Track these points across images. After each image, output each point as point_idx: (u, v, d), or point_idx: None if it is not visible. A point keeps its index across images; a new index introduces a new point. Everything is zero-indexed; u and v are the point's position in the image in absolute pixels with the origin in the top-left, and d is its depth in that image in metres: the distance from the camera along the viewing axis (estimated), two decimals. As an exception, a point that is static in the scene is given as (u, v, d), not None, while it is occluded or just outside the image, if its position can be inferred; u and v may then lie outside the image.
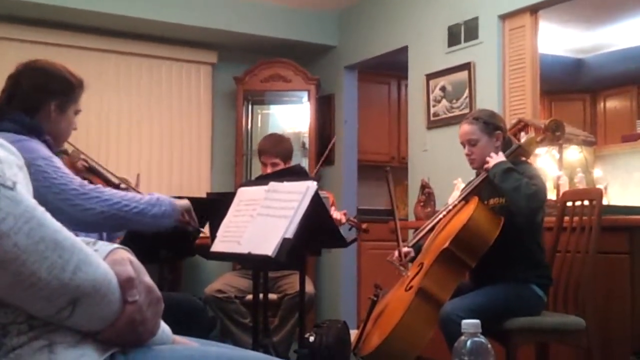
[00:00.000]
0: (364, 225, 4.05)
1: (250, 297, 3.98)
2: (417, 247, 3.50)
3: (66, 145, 2.79)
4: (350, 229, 4.22)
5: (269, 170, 4.38)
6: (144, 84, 6.22)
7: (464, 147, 3.38)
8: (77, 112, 2.53)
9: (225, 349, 1.38)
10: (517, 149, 3.32)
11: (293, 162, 4.82)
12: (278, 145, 4.43)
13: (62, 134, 2.51)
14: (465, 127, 3.37)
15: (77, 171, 2.77)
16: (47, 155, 2.26)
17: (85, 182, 2.33)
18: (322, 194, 3.13)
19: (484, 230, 3.11)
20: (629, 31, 7.02)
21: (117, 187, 2.87)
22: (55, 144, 2.45)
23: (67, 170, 2.29)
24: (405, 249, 3.44)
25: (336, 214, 4.06)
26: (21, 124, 2.33)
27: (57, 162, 2.29)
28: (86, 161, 2.83)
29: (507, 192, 3.11)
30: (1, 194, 0.98)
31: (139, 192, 2.87)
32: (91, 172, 2.82)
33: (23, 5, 5.45)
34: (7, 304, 1.05)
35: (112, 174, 2.91)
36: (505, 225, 3.11)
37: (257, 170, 5.98)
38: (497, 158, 3.22)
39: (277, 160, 4.36)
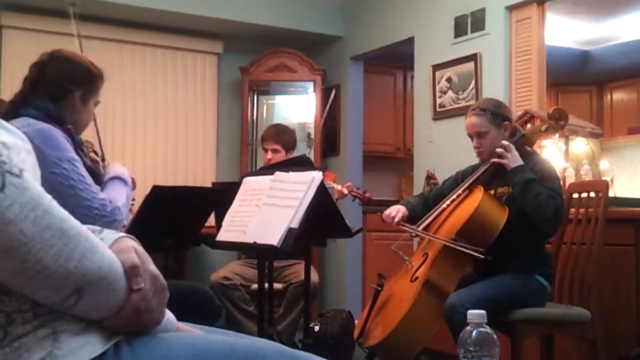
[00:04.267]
0: (367, 194, 4.06)
1: (255, 286, 3.99)
2: (409, 205, 3.52)
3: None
4: (353, 200, 4.24)
5: (269, 156, 4.40)
6: (149, 73, 6.21)
7: (472, 139, 3.35)
8: (96, 103, 2.57)
9: (229, 336, 1.38)
10: (521, 137, 3.31)
11: (298, 153, 4.83)
12: (281, 134, 4.47)
13: (83, 125, 2.55)
14: (473, 119, 3.32)
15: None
16: (71, 157, 2.27)
17: (106, 198, 2.34)
18: (327, 183, 3.13)
19: (490, 221, 3.10)
20: (636, 23, 6.98)
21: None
22: (75, 134, 2.47)
23: (90, 181, 2.31)
24: (398, 207, 3.48)
25: (338, 186, 4.07)
26: (44, 111, 2.34)
27: (81, 167, 2.30)
28: (95, 152, 2.84)
29: (526, 209, 3.10)
30: (7, 181, 0.98)
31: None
32: (97, 163, 2.83)
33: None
34: (12, 292, 1.05)
35: None
36: (509, 216, 3.11)
37: (262, 160, 5.97)
38: (514, 158, 3.17)
39: (279, 147, 4.39)
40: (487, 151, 3.29)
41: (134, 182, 2.98)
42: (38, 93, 2.40)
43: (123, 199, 2.45)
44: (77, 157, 2.30)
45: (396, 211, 3.47)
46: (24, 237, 0.98)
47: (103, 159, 2.80)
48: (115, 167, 2.66)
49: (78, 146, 2.41)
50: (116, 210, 2.34)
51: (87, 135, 2.83)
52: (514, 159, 3.17)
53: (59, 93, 2.42)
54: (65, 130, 2.37)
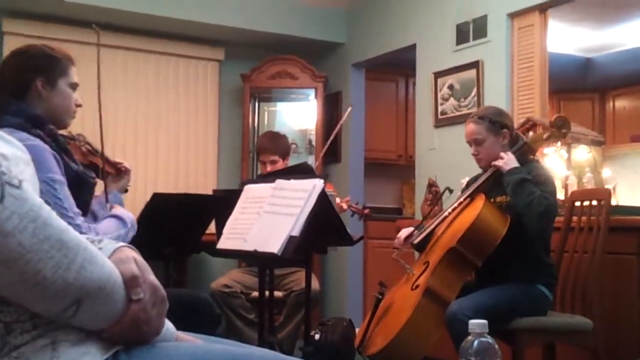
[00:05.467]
0: (366, 210, 4.05)
1: (255, 294, 3.98)
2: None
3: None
4: (352, 216, 4.23)
5: (269, 168, 4.38)
6: (151, 80, 6.22)
7: (470, 146, 3.37)
8: (72, 85, 2.45)
9: (229, 346, 1.37)
10: (522, 145, 3.31)
11: (300, 160, 4.83)
12: (276, 143, 4.45)
13: (60, 111, 2.42)
14: (471, 126, 3.35)
15: (82, 155, 2.74)
16: (52, 178, 2.18)
17: (83, 225, 2.27)
18: (329, 191, 3.12)
19: (491, 229, 3.10)
20: (638, 30, 6.98)
21: (114, 166, 2.85)
22: (59, 125, 2.40)
23: (69, 204, 2.22)
24: (409, 229, 3.45)
25: (338, 200, 4.06)
26: (24, 116, 2.27)
27: (61, 189, 2.21)
28: (89, 145, 2.80)
29: (518, 207, 3.11)
30: (7, 192, 0.97)
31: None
32: (93, 155, 2.79)
33: (31, 1, 5.46)
34: (12, 302, 1.05)
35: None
36: (512, 224, 3.10)
37: (261, 169, 5.97)
38: (509, 160, 3.19)
39: (276, 158, 4.38)
40: (485, 158, 3.31)
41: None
42: (3, 96, 2.33)
43: (111, 234, 2.38)
44: (59, 179, 2.21)
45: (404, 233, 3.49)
46: (23, 249, 0.97)
47: (102, 156, 2.76)
48: (121, 209, 2.61)
49: (62, 148, 2.33)
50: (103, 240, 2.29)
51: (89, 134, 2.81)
52: (509, 161, 3.19)
53: (19, 87, 2.35)
54: (48, 132, 2.30)
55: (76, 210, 2.26)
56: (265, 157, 4.41)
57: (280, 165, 4.39)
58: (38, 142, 2.22)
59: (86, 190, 2.40)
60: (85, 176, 2.40)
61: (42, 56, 2.42)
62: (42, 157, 2.18)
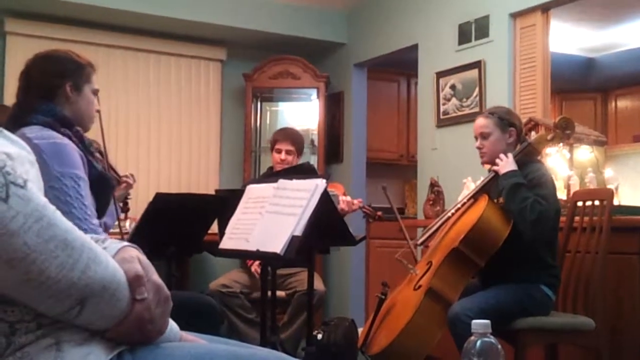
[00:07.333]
0: (379, 212, 4.04)
1: (256, 294, 3.98)
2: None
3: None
4: (364, 217, 4.22)
5: (283, 157, 4.40)
6: (153, 80, 6.22)
7: (477, 139, 3.38)
8: (94, 91, 2.53)
9: (233, 346, 1.37)
10: (526, 146, 3.32)
11: (302, 160, 4.83)
12: (296, 136, 4.53)
13: (84, 115, 2.50)
14: (480, 120, 3.39)
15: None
16: (76, 174, 2.24)
17: (97, 225, 2.32)
18: (331, 191, 3.12)
19: (494, 229, 3.10)
20: (640, 31, 6.98)
21: (118, 176, 2.88)
22: (82, 129, 2.45)
23: (88, 202, 2.27)
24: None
25: (348, 198, 4.05)
26: (52, 115, 2.34)
27: (84, 187, 2.26)
28: (101, 153, 2.83)
29: (512, 212, 3.12)
30: (12, 192, 0.97)
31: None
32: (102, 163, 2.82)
33: (33, 1, 5.46)
34: (16, 302, 1.05)
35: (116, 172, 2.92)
36: (513, 224, 3.10)
37: (265, 167, 5.97)
38: (507, 163, 3.19)
39: (293, 149, 4.42)
40: (489, 153, 3.33)
41: (133, 177, 2.99)
42: (31, 96, 2.39)
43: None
44: (83, 177, 2.27)
45: None
46: (28, 249, 0.97)
47: (106, 158, 2.79)
48: None
49: (87, 149, 2.39)
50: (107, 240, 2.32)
51: (91, 134, 2.83)
52: (506, 164, 3.19)
53: (49, 90, 2.41)
54: (75, 133, 2.36)
55: (94, 211, 2.30)
56: (281, 145, 4.43)
57: (293, 158, 4.41)
58: (67, 140, 2.29)
59: (108, 191, 2.47)
60: (108, 177, 2.47)
61: (69, 61, 2.48)
62: (70, 154, 2.26)
